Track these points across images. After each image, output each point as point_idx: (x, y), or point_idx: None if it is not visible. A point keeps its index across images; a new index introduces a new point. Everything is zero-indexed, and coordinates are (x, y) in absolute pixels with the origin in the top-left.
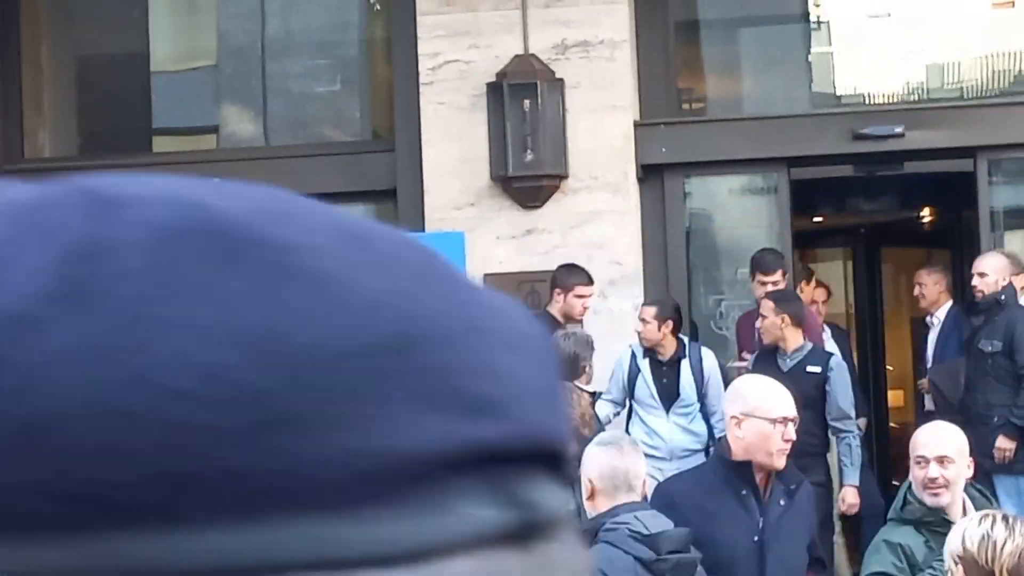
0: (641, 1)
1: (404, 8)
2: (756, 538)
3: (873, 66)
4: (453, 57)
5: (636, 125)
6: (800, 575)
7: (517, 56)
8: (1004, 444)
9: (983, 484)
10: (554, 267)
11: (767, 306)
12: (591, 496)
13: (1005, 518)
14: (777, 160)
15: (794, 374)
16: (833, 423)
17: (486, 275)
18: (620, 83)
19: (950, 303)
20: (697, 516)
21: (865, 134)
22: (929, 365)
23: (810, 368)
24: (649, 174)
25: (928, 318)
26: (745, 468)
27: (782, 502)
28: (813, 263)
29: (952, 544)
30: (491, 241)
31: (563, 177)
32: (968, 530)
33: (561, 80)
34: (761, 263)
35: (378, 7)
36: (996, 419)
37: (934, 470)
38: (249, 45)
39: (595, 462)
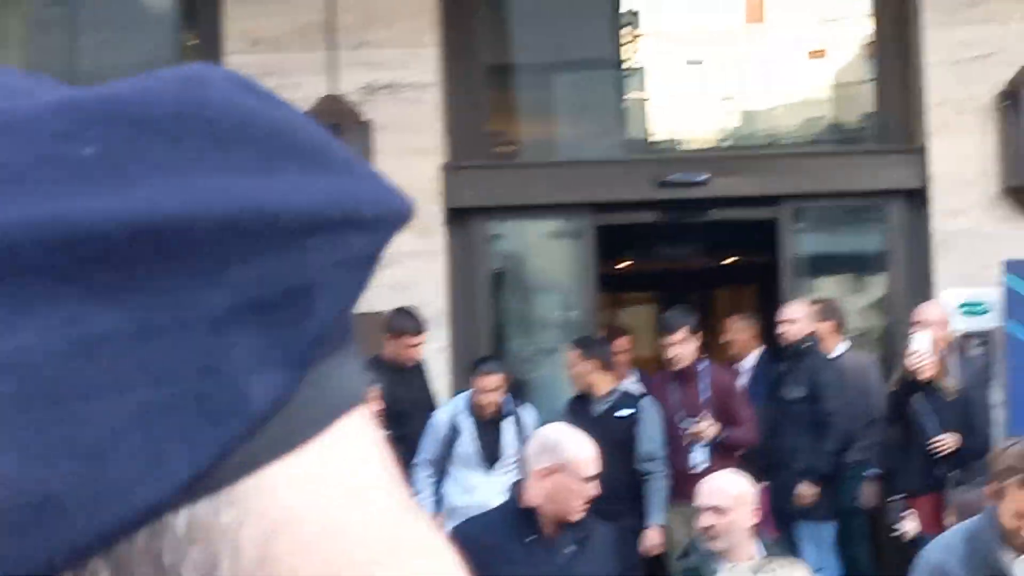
0: (451, 44)
1: (211, 48)
2: None
3: (684, 113)
4: None
5: (444, 168)
6: None
7: (325, 97)
8: (805, 491)
9: (786, 530)
10: (358, 309)
11: (573, 354)
12: None
13: (772, 568)
14: (584, 205)
15: (605, 419)
16: (641, 464)
17: None
18: (428, 126)
19: (760, 349)
20: (481, 561)
21: (670, 181)
22: None
23: (620, 412)
24: (456, 217)
25: (737, 364)
26: (533, 515)
27: (568, 550)
28: (623, 308)
29: None
30: None
31: None
32: None
33: (368, 121)
34: (665, 324)
35: (188, 44)
36: (798, 465)
37: (707, 519)
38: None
39: None
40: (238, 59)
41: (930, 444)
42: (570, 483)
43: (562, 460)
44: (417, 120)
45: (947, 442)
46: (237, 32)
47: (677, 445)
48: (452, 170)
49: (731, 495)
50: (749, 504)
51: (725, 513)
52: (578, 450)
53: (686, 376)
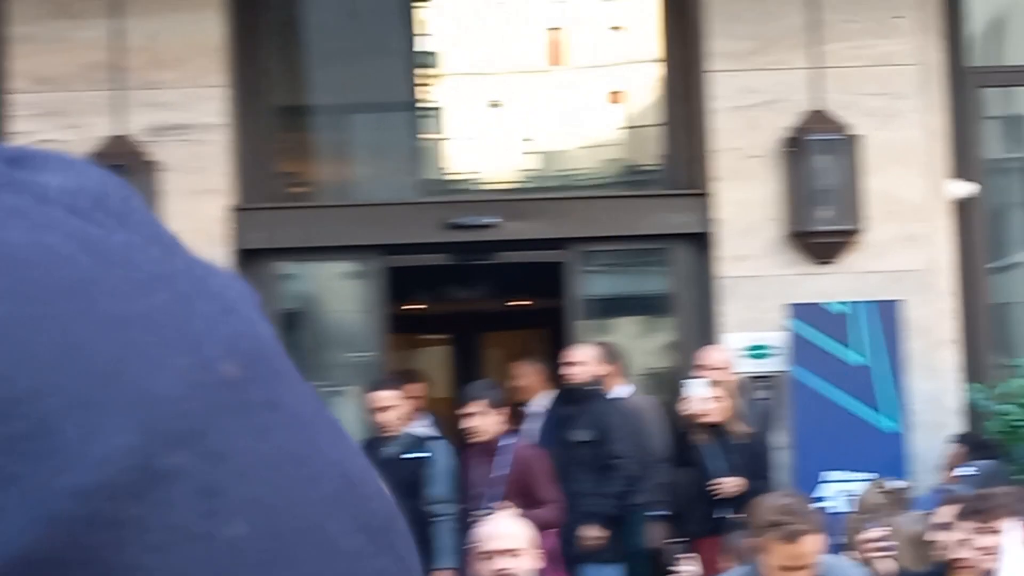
0: (240, 85)
1: None
2: None
3: (480, 154)
4: (48, 136)
5: (232, 209)
6: None
7: (111, 137)
8: (591, 533)
9: (573, 573)
10: None
11: (388, 394)
12: None
13: None
14: (374, 247)
15: (394, 461)
16: (431, 506)
17: None
18: (215, 167)
19: (549, 393)
20: None
21: (459, 223)
22: None
23: (409, 455)
24: (246, 259)
25: (526, 407)
26: None
27: None
28: (418, 349)
29: None
30: None
31: None
32: None
33: (155, 162)
34: (463, 395)
35: None
36: (584, 508)
37: (503, 562)
38: None
39: None
40: (25, 98)
41: (710, 486)
42: None
43: None
44: (205, 161)
45: (726, 485)
46: (22, 71)
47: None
48: (240, 211)
49: (523, 536)
50: (533, 547)
51: (519, 555)
52: None
53: (486, 450)
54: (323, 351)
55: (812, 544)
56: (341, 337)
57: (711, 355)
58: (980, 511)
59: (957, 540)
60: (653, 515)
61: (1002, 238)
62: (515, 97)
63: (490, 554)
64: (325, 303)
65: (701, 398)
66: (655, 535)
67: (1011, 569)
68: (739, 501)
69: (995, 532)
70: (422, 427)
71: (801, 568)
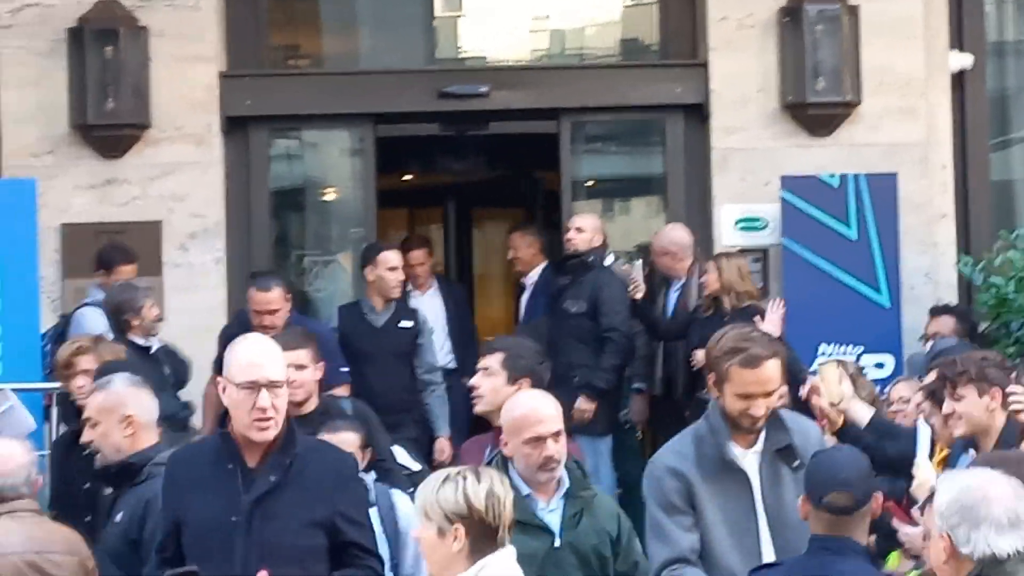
0: None
1: None
2: (235, 517)
3: (473, 25)
4: (34, 0)
5: (221, 76)
6: (296, 559)
7: (100, 2)
8: (584, 405)
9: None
10: (133, 218)
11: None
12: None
13: (476, 472)
14: (363, 116)
15: (387, 330)
16: (423, 376)
17: (63, 225)
18: (205, 33)
19: (544, 264)
20: (182, 490)
21: (450, 92)
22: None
23: (403, 323)
24: (234, 127)
25: (523, 280)
26: (232, 440)
27: (272, 477)
28: (407, 223)
29: (452, 503)
30: (69, 190)
31: (145, 127)
32: (468, 489)
33: (145, 28)
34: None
35: None
36: (577, 380)
37: (552, 447)
38: None
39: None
40: None
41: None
42: (233, 393)
43: (228, 367)
44: (195, 27)
45: (699, 355)
46: None
47: None
48: (230, 78)
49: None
50: None
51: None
52: (241, 355)
53: None
54: (311, 221)
55: (773, 369)
56: (330, 207)
57: (669, 234)
58: (946, 377)
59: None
60: (636, 388)
61: (1007, 116)
62: None
63: (541, 438)
64: (314, 172)
65: (639, 280)
66: (637, 408)
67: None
68: None
69: (955, 399)
70: (431, 293)
71: (763, 395)
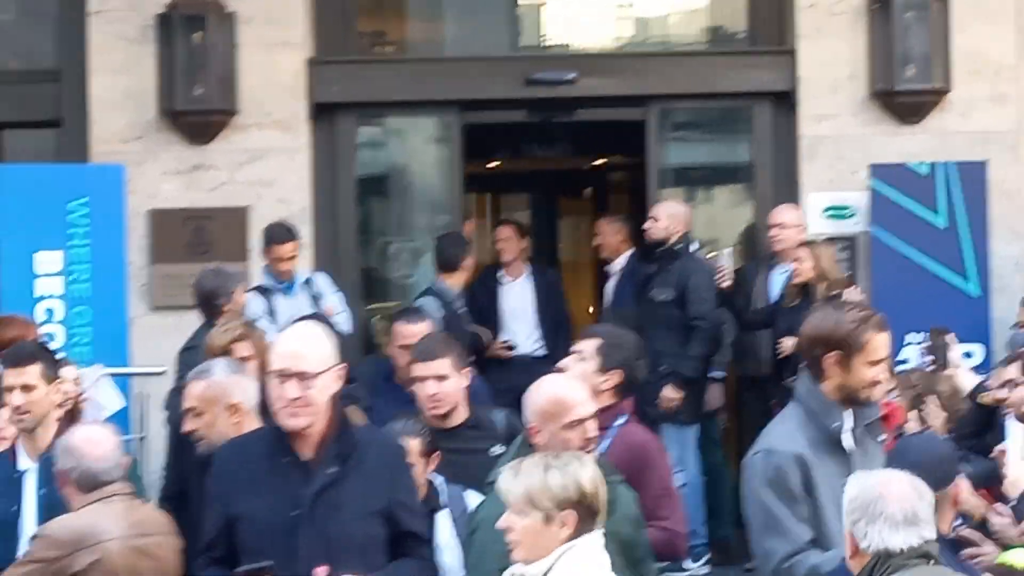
0: None
1: None
2: (296, 512)
3: (554, 11)
4: None
5: (309, 63)
6: (357, 551)
7: None
8: (670, 394)
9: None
10: (221, 204)
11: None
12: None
13: (576, 456)
14: (451, 103)
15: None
16: None
17: (151, 211)
18: (294, 19)
19: (630, 251)
20: (235, 487)
21: (537, 79)
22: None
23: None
24: (321, 113)
25: (608, 267)
26: (283, 433)
27: (332, 469)
28: (492, 210)
29: (562, 489)
30: (157, 176)
31: (233, 113)
32: (578, 474)
33: (233, 13)
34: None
35: None
36: (663, 368)
37: (592, 429)
38: None
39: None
40: None
41: (776, 346)
42: (270, 383)
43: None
44: (283, 13)
45: (786, 343)
46: None
47: None
48: (318, 65)
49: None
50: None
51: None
52: (279, 343)
53: None
54: (397, 207)
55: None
56: (416, 193)
57: (790, 213)
58: None
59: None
60: (715, 376)
61: None
62: None
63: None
64: (401, 159)
65: (727, 268)
66: (714, 395)
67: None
68: None
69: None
70: (523, 280)
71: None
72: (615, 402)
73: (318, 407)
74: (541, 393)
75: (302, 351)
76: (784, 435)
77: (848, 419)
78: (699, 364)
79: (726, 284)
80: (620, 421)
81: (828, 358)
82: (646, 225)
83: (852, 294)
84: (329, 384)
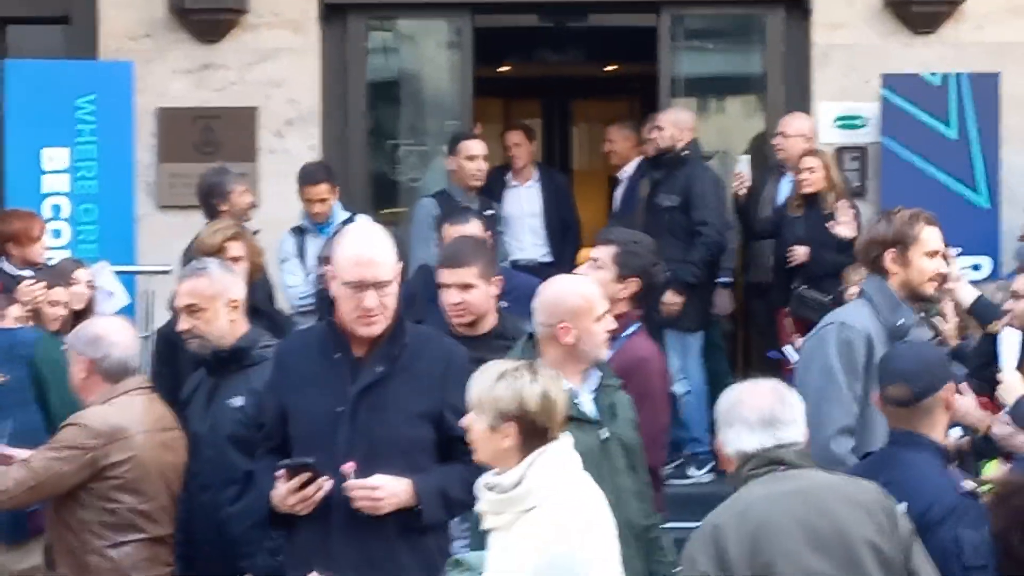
0: None
1: None
2: (340, 408)
3: None
4: None
5: None
6: (400, 452)
7: None
8: (672, 299)
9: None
10: (230, 104)
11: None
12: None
13: (532, 370)
14: (462, 5)
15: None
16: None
17: (160, 109)
18: None
19: (640, 159)
20: (289, 380)
21: None
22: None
23: (487, 211)
24: (332, 14)
25: (619, 173)
26: (339, 329)
27: (379, 368)
28: (504, 115)
29: (505, 402)
30: (166, 74)
31: (243, 12)
32: (523, 389)
33: None
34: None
35: None
36: (667, 274)
37: (610, 322)
38: None
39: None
40: None
41: (787, 255)
42: (339, 288)
43: (334, 259)
44: None
45: (798, 252)
46: None
47: None
48: None
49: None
50: None
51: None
52: (346, 251)
53: None
54: (407, 110)
55: None
56: (426, 96)
57: (794, 122)
58: None
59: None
60: (723, 282)
61: None
62: None
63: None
64: (411, 62)
65: (745, 176)
66: (723, 301)
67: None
68: (816, 275)
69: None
70: (531, 184)
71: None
72: (629, 310)
73: (390, 312)
74: (568, 291)
75: (376, 258)
76: (858, 316)
77: (913, 316)
78: (700, 270)
79: (743, 192)
80: (629, 331)
81: (887, 255)
82: (651, 135)
83: (843, 208)
84: (397, 287)
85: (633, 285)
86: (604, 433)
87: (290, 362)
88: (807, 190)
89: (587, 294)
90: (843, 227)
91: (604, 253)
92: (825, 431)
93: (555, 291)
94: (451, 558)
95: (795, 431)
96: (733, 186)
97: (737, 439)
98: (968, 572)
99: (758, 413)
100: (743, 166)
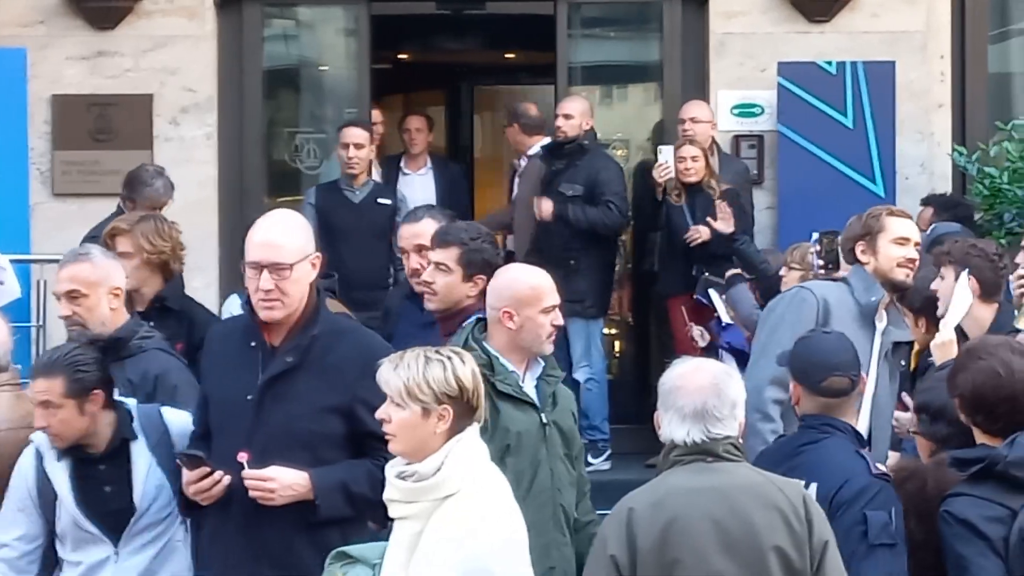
0: None
1: None
2: (249, 396)
3: None
4: None
5: None
6: (303, 445)
7: None
8: (543, 206)
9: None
10: (125, 91)
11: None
12: None
13: (456, 352)
14: None
15: (365, 206)
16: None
17: (54, 96)
18: None
19: (538, 145)
20: (211, 366)
21: None
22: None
23: (381, 200)
24: (227, 1)
25: (516, 160)
26: (254, 318)
27: (289, 359)
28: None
29: (443, 384)
30: (60, 62)
31: None
32: (457, 370)
33: None
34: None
35: None
36: (572, 263)
37: (559, 316)
38: None
39: None
40: None
41: (687, 238)
42: (246, 270)
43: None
44: None
45: (701, 231)
46: None
47: None
48: None
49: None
50: None
51: None
52: (251, 233)
53: None
54: (301, 99)
55: None
56: (324, 87)
57: (695, 109)
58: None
59: None
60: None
61: (1007, 8)
62: None
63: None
64: (308, 49)
65: (668, 166)
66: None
67: (956, 308)
68: (712, 260)
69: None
70: (423, 171)
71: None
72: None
73: (292, 299)
74: (518, 279)
75: (276, 241)
76: (823, 287)
77: (884, 296)
78: (585, 219)
79: (664, 179)
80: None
81: (857, 248)
82: (558, 123)
83: (721, 206)
84: (304, 274)
85: (481, 282)
86: (544, 417)
87: (214, 348)
88: (690, 179)
89: (536, 284)
90: (721, 223)
91: (447, 257)
92: (757, 380)
93: (506, 277)
94: (334, 550)
95: (728, 426)
96: (660, 176)
97: (669, 426)
98: (873, 550)
99: (692, 406)
100: (666, 155)
